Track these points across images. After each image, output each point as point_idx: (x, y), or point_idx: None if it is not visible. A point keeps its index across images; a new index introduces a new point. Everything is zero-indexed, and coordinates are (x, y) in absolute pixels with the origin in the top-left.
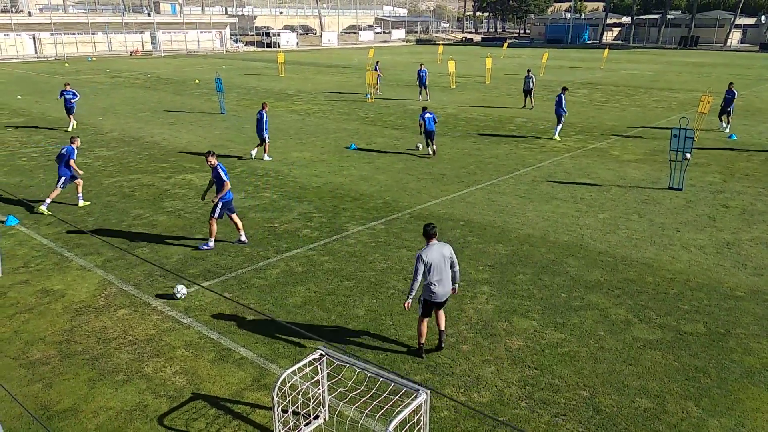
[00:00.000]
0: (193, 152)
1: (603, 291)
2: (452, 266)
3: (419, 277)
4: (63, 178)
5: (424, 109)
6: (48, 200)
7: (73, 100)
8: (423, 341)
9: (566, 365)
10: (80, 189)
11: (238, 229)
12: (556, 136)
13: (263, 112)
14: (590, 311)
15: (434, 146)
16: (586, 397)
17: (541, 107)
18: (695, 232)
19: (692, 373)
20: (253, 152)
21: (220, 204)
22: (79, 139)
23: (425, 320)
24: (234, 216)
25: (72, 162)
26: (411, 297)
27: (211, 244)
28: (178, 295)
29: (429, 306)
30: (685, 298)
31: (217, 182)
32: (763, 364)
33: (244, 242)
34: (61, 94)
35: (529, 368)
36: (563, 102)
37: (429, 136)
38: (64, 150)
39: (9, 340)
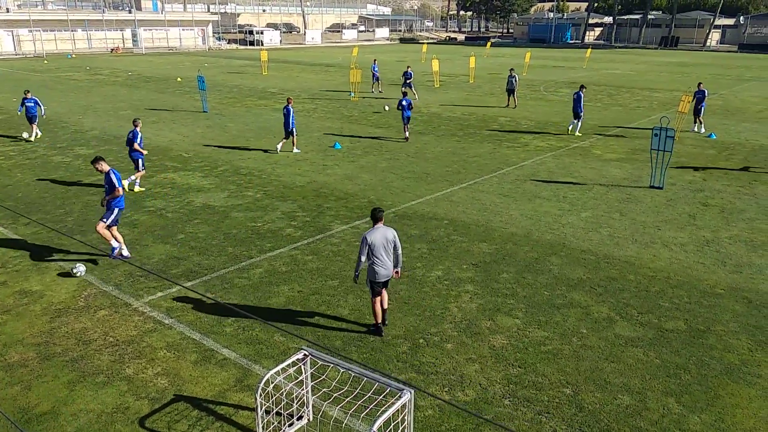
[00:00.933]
0: (175, 151)
1: (585, 289)
2: (395, 249)
3: (363, 257)
4: (140, 160)
5: (405, 94)
6: (137, 180)
7: (35, 110)
8: (378, 320)
9: (549, 363)
10: (140, 175)
11: (119, 241)
12: (577, 132)
13: (289, 107)
14: (573, 309)
15: (407, 133)
16: (569, 395)
17: (525, 107)
18: (676, 231)
19: (673, 369)
20: (279, 146)
21: (116, 210)
22: (140, 122)
23: (377, 299)
24: (115, 228)
25: (136, 145)
26: (356, 274)
27: (125, 251)
28: (76, 272)
29: (375, 286)
30: (666, 295)
31: (109, 188)
32: (742, 361)
33: (127, 257)
34: (23, 104)
35: (513, 366)
36: (582, 100)
37: (406, 121)
38: (130, 134)
39: None
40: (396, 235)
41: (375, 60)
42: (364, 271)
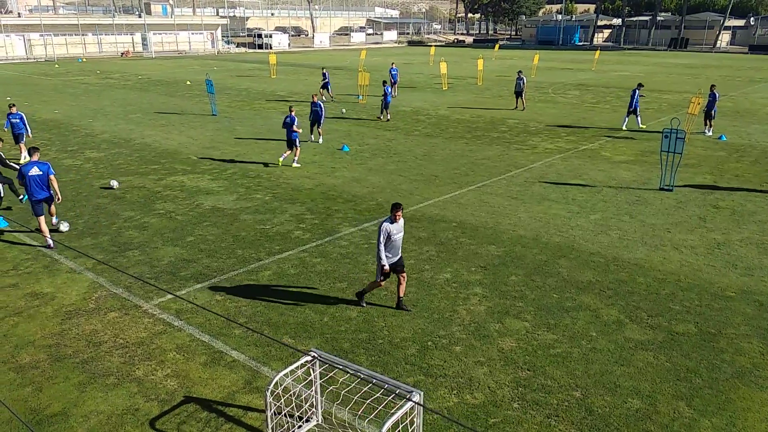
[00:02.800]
0: (184, 154)
1: (595, 292)
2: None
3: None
4: (297, 139)
5: (384, 83)
6: (296, 158)
7: (21, 128)
8: (365, 291)
9: (558, 366)
10: (298, 153)
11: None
12: (641, 125)
13: (319, 103)
14: (582, 312)
15: (389, 116)
16: (578, 398)
17: (533, 109)
18: (686, 233)
19: (684, 373)
20: (316, 138)
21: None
22: (294, 108)
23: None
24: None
25: (295, 126)
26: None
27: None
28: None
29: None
30: (676, 298)
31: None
32: (753, 364)
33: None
34: (8, 120)
35: (522, 369)
36: (636, 96)
37: (386, 107)
38: (288, 119)
39: None
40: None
41: (393, 63)
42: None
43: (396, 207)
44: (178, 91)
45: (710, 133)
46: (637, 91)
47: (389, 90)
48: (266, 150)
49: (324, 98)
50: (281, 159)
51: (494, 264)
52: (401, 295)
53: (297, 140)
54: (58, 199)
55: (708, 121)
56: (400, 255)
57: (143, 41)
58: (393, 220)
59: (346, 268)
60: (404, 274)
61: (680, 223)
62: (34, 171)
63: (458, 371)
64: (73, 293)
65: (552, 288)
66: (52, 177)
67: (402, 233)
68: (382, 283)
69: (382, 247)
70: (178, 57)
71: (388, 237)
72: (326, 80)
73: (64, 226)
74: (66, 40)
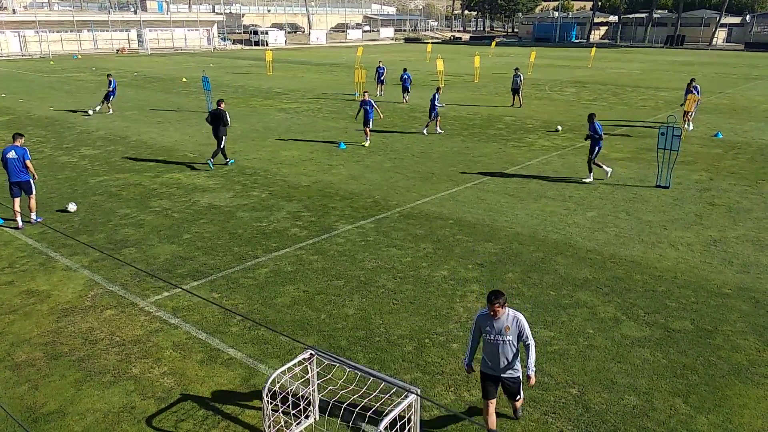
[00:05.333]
0: (180, 151)
1: (591, 289)
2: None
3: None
4: (371, 120)
5: (439, 89)
6: (367, 137)
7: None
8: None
9: (555, 363)
10: (368, 131)
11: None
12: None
13: (370, 100)
14: (579, 309)
15: (439, 129)
16: (575, 395)
17: (530, 106)
18: (682, 230)
19: (680, 370)
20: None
21: None
22: (368, 94)
23: (489, 403)
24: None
25: (376, 107)
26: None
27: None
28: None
29: (485, 382)
30: (672, 295)
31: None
32: (749, 361)
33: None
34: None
35: None
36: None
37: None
38: (367, 105)
39: None
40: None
41: (380, 61)
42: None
43: (490, 298)
44: (174, 88)
45: (690, 128)
46: (695, 85)
47: (436, 97)
48: (263, 147)
49: (378, 93)
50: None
51: (491, 261)
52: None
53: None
54: (34, 177)
55: (686, 116)
56: (505, 365)
57: (139, 38)
58: (491, 314)
59: (343, 265)
60: (519, 400)
61: (677, 221)
62: (11, 154)
63: (455, 368)
64: (68, 291)
65: (549, 285)
66: (27, 162)
67: (508, 337)
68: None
69: (470, 338)
70: (173, 54)
71: (480, 332)
72: (382, 74)
73: (72, 207)
74: (61, 37)
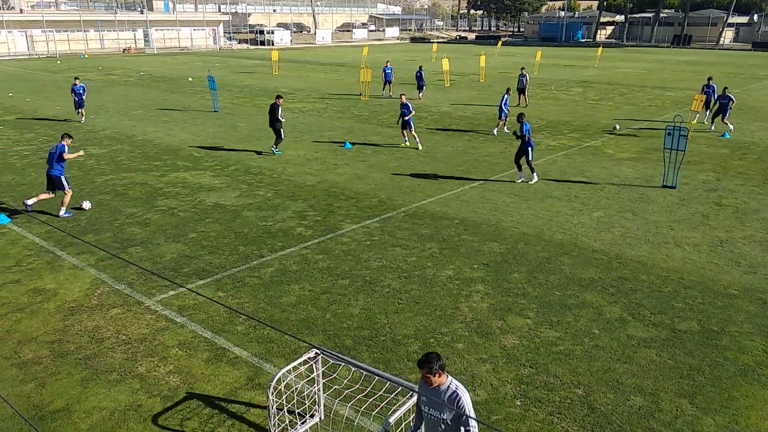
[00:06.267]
0: (186, 150)
1: (597, 289)
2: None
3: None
4: (411, 115)
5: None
6: (417, 140)
7: None
8: None
9: (561, 363)
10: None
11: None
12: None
13: (408, 103)
14: (585, 309)
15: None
16: (581, 396)
17: (536, 106)
18: (689, 230)
19: (686, 371)
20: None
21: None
22: (405, 96)
23: None
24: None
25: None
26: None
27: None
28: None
29: None
30: (679, 296)
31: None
32: (756, 362)
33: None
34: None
35: (524, 367)
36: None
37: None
38: (404, 109)
39: (1, 339)
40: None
41: (388, 62)
42: None
43: (419, 363)
44: (180, 87)
45: (713, 127)
46: (716, 87)
47: (506, 99)
48: (269, 146)
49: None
50: None
51: (497, 261)
52: None
53: None
54: (77, 154)
55: (711, 116)
56: None
57: (145, 37)
58: (424, 381)
59: (348, 264)
60: None
61: (683, 221)
62: (52, 149)
63: (460, 368)
64: (75, 289)
65: (554, 285)
66: (64, 155)
67: (443, 416)
68: None
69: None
70: (180, 53)
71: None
72: (389, 74)
73: (86, 204)
74: (68, 37)
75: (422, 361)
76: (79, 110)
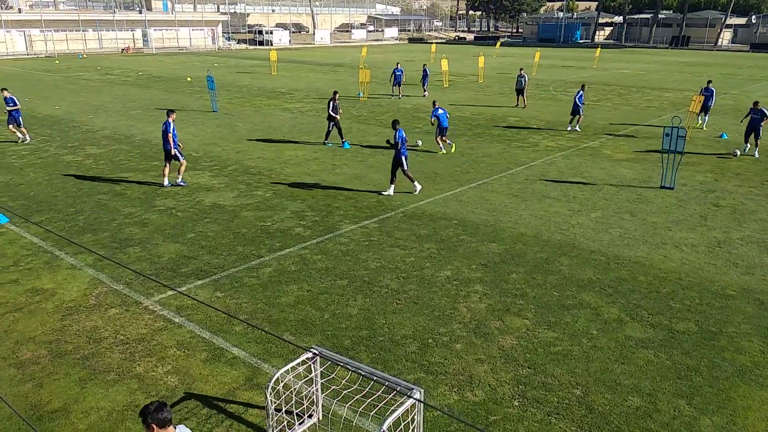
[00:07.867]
0: (185, 150)
1: (595, 290)
2: None
3: None
4: (445, 128)
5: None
6: (450, 143)
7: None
8: None
9: (559, 364)
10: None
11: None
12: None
13: (439, 108)
14: (583, 310)
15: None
16: (578, 396)
17: (534, 106)
18: (687, 231)
19: (684, 371)
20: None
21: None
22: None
23: None
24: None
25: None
26: None
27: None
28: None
29: None
30: (677, 296)
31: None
32: (754, 363)
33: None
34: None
35: (522, 367)
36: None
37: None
38: (437, 114)
39: None
40: None
41: (398, 63)
42: None
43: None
44: (179, 87)
45: (704, 125)
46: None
47: (581, 95)
48: (267, 146)
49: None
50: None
51: (495, 262)
52: None
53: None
54: (179, 145)
55: (703, 114)
56: None
57: (144, 37)
58: None
59: (347, 265)
60: None
61: (681, 222)
62: (162, 126)
63: (459, 369)
64: (73, 289)
65: (553, 286)
66: (168, 135)
67: None
68: None
69: None
70: (178, 53)
71: None
72: (400, 76)
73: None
74: (66, 36)
75: (143, 411)
76: (10, 126)
